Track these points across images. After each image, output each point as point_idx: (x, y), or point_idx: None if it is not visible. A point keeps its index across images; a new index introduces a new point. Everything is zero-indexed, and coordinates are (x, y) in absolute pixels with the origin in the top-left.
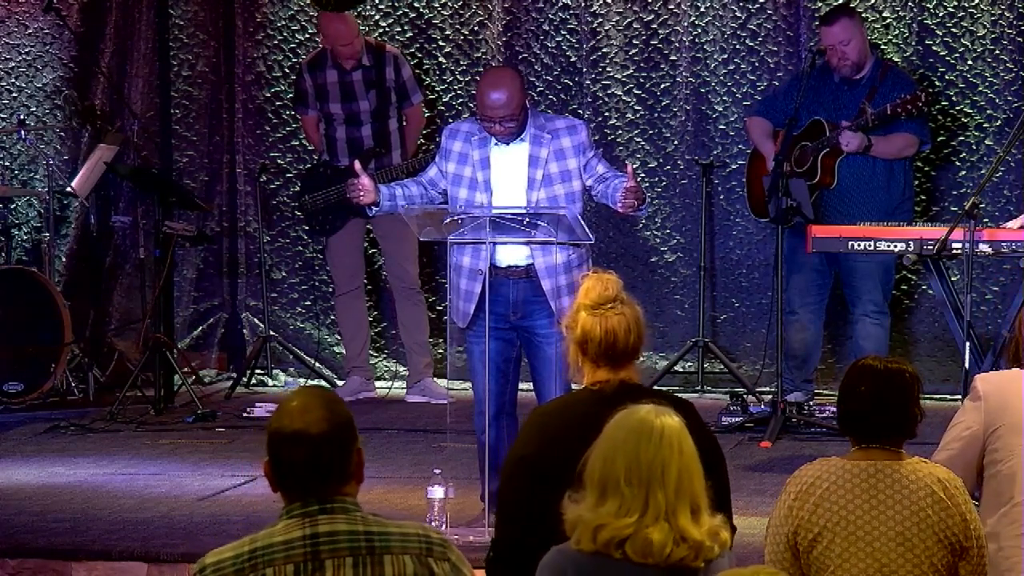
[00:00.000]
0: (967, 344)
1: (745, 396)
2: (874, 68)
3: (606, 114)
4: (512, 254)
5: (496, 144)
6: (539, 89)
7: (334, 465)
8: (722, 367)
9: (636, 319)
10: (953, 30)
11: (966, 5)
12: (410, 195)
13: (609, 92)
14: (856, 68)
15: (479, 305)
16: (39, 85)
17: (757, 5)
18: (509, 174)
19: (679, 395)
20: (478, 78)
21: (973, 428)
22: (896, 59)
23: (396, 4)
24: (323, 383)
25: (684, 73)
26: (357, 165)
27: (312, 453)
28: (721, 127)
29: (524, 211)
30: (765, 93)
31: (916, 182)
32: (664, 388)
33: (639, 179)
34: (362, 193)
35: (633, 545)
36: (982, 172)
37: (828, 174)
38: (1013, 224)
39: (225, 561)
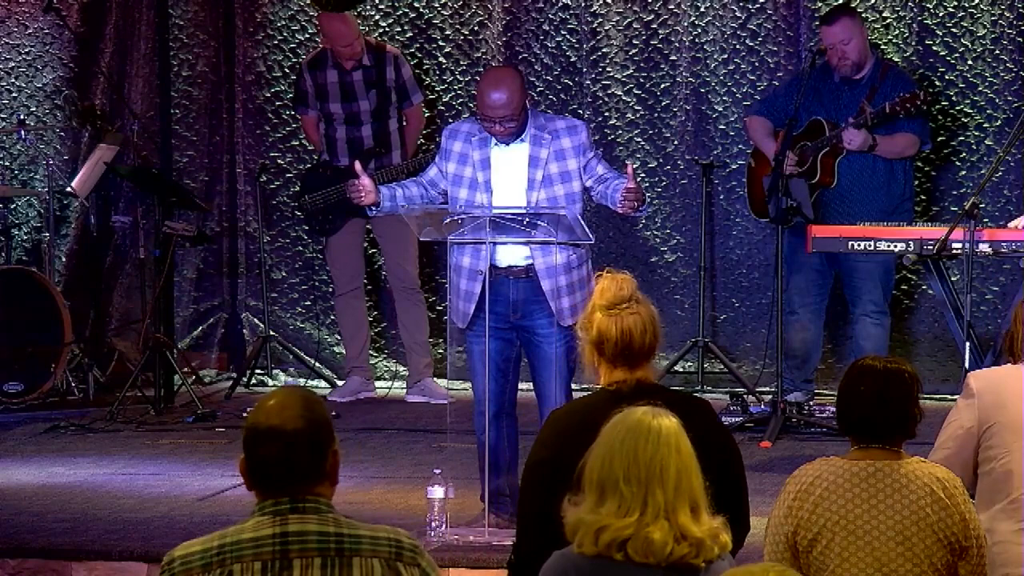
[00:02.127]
0: (967, 344)
1: (745, 396)
2: (874, 68)
3: (606, 114)
4: (512, 254)
5: (496, 144)
6: (539, 89)
7: (308, 464)
8: (722, 367)
9: (651, 319)
10: (953, 30)
11: (966, 5)
12: (410, 195)
13: (609, 92)
14: (856, 68)
15: (479, 305)
16: (39, 85)
17: (757, 5)
18: (509, 174)
19: (696, 396)
20: (478, 78)
21: (967, 426)
22: (896, 59)
23: (396, 4)
24: (323, 383)
25: (684, 73)
26: (358, 166)
27: (286, 450)
28: (721, 127)
29: (524, 211)
30: (765, 92)
31: (916, 182)
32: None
33: (639, 179)
34: (363, 194)
35: (634, 545)
36: (982, 172)
37: (828, 174)
38: (1015, 224)
39: (193, 555)
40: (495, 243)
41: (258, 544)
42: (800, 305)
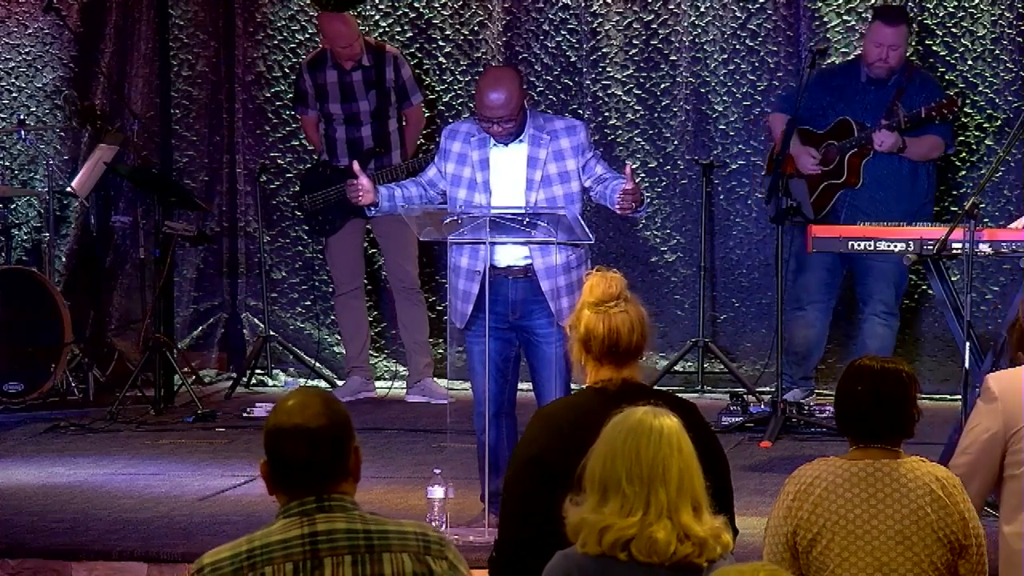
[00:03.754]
0: (967, 344)
1: (745, 396)
2: (901, 71)
3: (606, 114)
4: (511, 254)
5: (495, 145)
6: (539, 89)
7: (333, 460)
8: (722, 367)
9: (640, 318)
10: (953, 30)
11: (966, 5)
12: (409, 196)
13: (609, 92)
14: (890, 72)
15: (478, 305)
16: (39, 85)
17: (757, 5)
18: (508, 175)
19: (682, 398)
20: (478, 78)
21: (993, 430)
22: None
23: (396, 4)
24: (323, 383)
25: (684, 73)
26: (356, 166)
27: (311, 447)
28: (721, 127)
29: (523, 211)
30: (788, 89)
31: None
32: (664, 388)
33: (639, 179)
34: (361, 194)
35: (638, 545)
36: (982, 172)
37: (854, 174)
38: (1016, 226)
39: (223, 561)
40: (494, 243)
41: (288, 545)
42: (808, 302)
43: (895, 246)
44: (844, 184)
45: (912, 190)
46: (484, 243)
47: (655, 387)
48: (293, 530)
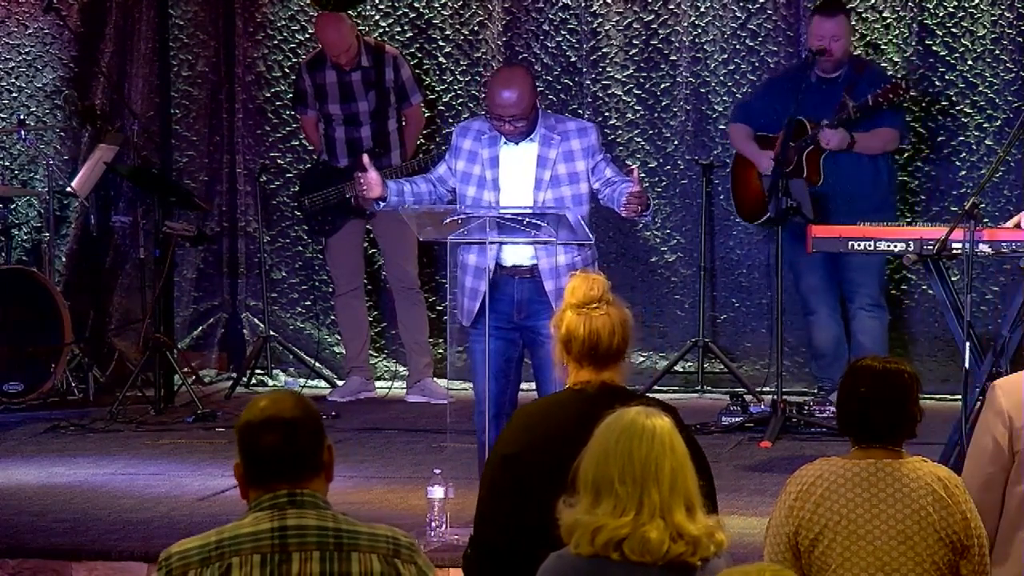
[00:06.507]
0: (967, 344)
1: (745, 396)
2: (850, 66)
3: (606, 114)
4: (517, 254)
5: (506, 143)
6: (539, 89)
7: (309, 451)
8: (722, 367)
9: (622, 321)
10: (953, 30)
11: (966, 5)
12: (418, 192)
13: (609, 92)
14: (836, 66)
15: (484, 303)
16: (39, 85)
17: (757, 5)
18: (517, 173)
19: (664, 401)
20: (478, 78)
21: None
22: (896, 59)
23: (396, 4)
24: (323, 383)
25: (684, 73)
26: (366, 159)
27: (286, 436)
28: (721, 127)
29: (525, 211)
30: (741, 99)
31: (916, 182)
32: (664, 388)
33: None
34: (365, 188)
35: (631, 544)
36: (982, 172)
37: (814, 171)
38: (1011, 223)
39: (191, 550)
40: (494, 243)
41: (257, 538)
42: (817, 304)
43: (895, 246)
44: (806, 182)
45: (874, 184)
46: (485, 243)
47: (633, 391)
48: (263, 523)
